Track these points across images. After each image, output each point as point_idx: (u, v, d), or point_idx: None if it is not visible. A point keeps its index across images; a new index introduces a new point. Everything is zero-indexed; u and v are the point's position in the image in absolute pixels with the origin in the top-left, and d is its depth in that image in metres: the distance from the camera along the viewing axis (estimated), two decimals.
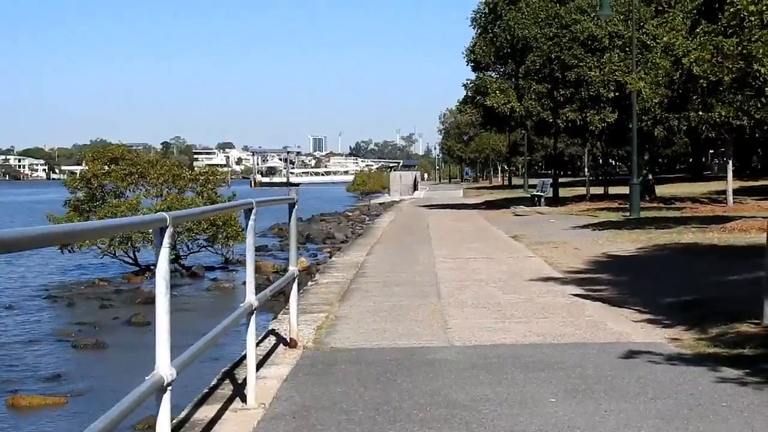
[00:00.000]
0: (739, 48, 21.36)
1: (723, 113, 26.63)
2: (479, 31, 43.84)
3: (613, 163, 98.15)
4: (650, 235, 22.99)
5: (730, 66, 21.50)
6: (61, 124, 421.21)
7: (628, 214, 31.85)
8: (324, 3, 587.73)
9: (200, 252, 32.02)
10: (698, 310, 11.59)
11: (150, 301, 24.57)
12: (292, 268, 10.18)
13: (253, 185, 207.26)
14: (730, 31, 21.89)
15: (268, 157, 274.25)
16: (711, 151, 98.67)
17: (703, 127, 31.89)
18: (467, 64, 44.00)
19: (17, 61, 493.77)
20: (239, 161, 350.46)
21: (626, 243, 21.72)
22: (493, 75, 43.06)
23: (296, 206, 10.24)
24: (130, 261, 30.63)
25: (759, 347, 8.99)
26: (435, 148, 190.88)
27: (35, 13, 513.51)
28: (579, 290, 14.01)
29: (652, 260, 18.43)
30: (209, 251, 32.08)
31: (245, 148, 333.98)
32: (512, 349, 9.60)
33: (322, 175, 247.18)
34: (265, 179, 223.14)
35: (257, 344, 10.56)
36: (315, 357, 9.53)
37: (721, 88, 22.32)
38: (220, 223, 30.33)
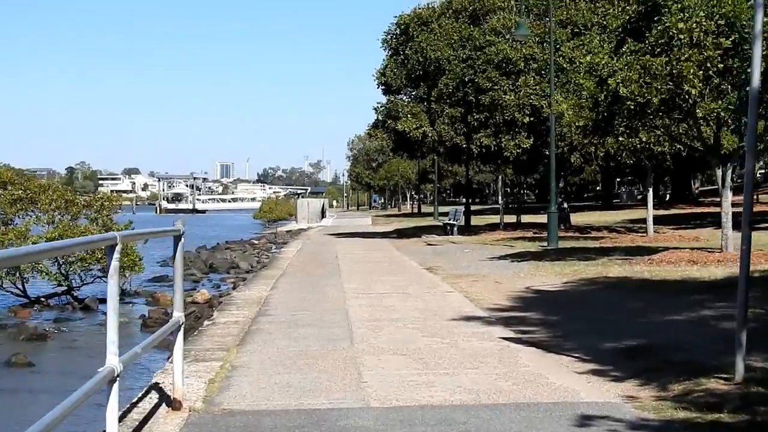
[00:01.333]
0: (668, 68, 20.16)
1: (644, 139, 25.46)
2: (390, 53, 42.49)
3: (523, 191, 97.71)
4: (574, 268, 21.59)
5: (659, 87, 20.27)
6: None
7: (546, 244, 30.54)
8: (233, 29, 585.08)
9: (94, 283, 29.98)
10: (647, 358, 10.08)
11: (36, 338, 22.64)
12: (177, 314, 8.49)
13: (158, 212, 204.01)
14: (658, 50, 20.71)
15: (174, 183, 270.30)
16: (618, 179, 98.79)
17: (623, 154, 30.72)
18: (378, 87, 42.66)
19: None
20: (145, 187, 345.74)
21: (550, 276, 20.30)
22: (404, 98, 41.61)
23: (182, 239, 8.48)
24: (19, 292, 28.43)
25: (739, 411, 7.45)
26: (343, 175, 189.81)
27: None
28: (508, 332, 12.46)
29: (581, 296, 16.97)
30: (106, 282, 30.02)
31: (152, 174, 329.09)
32: (441, 413, 7.95)
33: (229, 201, 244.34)
34: (171, 206, 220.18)
35: (136, 403, 8.83)
36: (202, 424, 7.78)
37: (648, 111, 21.01)
38: None
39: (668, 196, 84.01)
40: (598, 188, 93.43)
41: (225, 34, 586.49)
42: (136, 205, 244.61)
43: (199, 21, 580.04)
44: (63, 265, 27.95)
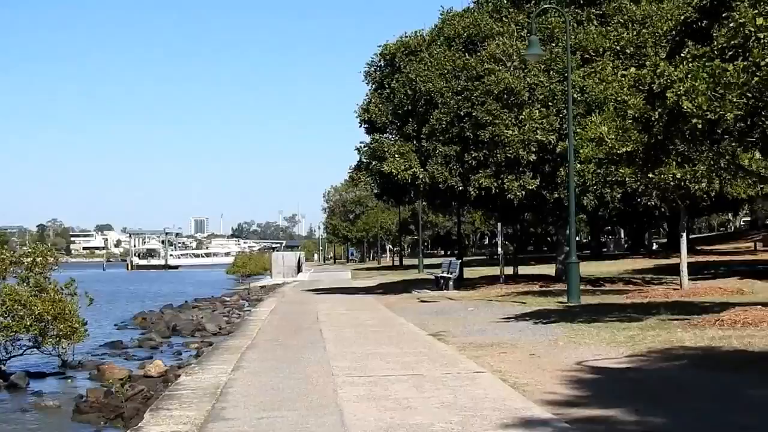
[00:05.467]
0: (745, 76, 15.50)
1: (678, 175, 20.80)
2: (374, 86, 37.70)
3: (505, 242, 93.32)
4: (627, 333, 16.73)
5: (734, 99, 15.59)
6: None
7: (564, 300, 25.78)
8: (204, 81, 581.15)
9: (30, 354, 25.00)
10: None
11: None
12: None
13: (129, 268, 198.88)
14: (730, 53, 16.09)
15: (147, 239, 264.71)
16: (608, 228, 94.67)
17: (653, 193, 26.05)
18: (360, 125, 37.79)
19: None
20: (118, 243, 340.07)
21: (601, 345, 15.45)
22: (390, 137, 36.76)
23: None
24: None
25: None
26: (319, 228, 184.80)
27: None
28: None
29: (669, 379, 12.08)
30: (41, 354, 25.02)
31: (124, 230, 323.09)
32: None
33: (203, 257, 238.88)
34: (143, 261, 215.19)
35: None
36: None
37: (718, 131, 16.29)
38: (50, 318, 23.37)
39: (654, 244, 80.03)
40: (589, 238, 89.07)
41: (202, 90, 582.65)
42: (108, 261, 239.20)
43: (172, 76, 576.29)
44: None
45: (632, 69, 18.27)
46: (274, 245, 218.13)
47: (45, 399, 20.64)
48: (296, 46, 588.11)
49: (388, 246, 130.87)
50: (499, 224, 38.59)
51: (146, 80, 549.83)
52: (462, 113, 33.13)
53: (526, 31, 33.91)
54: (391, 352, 15.87)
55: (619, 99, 18.75)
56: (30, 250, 25.78)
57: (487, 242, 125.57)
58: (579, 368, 13.08)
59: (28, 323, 22.99)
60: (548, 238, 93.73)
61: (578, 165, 27.24)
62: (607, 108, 22.29)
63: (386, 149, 34.71)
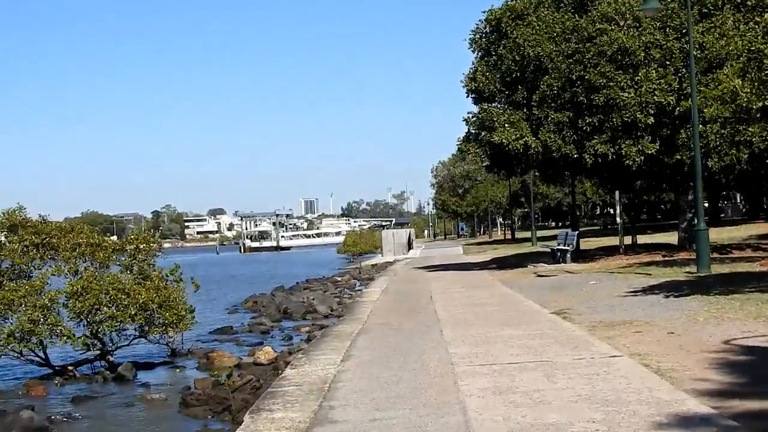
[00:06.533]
0: None
1: None
2: (480, 54, 36.10)
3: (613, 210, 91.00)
4: None
5: None
6: (53, 195, 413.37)
7: (693, 269, 24.11)
8: (308, 69, 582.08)
9: (138, 344, 24.35)
10: None
11: None
12: None
13: (242, 251, 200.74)
14: None
15: (259, 222, 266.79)
16: (724, 193, 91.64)
17: None
18: (467, 95, 36.27)
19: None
20: (231, 227, 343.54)
21: (747, 320, 13.88)
22: (499, 106, 35.17)
23: None
24: (40, 361, 22.87)
25: None
26: (428, 204, 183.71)
27: (21, 80, 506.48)
28: None
29: None
30: (149, 343, 24.36)
31: (236, 214, 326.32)
32: None
33: (314, 237, 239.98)
34: (255, 244, 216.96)
35: None
36: None
37: None
38: (155, 307, 22.64)
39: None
40: (707, 204, 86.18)
41: (306, 77, 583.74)
42: (222, 245, 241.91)
43: (281, 59, 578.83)
44: (90, 325, 22.32)
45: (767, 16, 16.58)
46: (383, 223, 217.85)
47: (152, 391, 19.94)
48: (397, 19, 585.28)
49: (499, 220, 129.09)
50: (617, 192, 36.74)
51: (245, 64, 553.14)
52: (574, 77, 31.48)
53: None
54: (514, 335, 14.54)
55: (753, 49, 17.05)
56: (132, 236, 25.06)
57: (599, 212, 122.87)
58: (728, 348, 11.62)
59: (133, 312, 22.36)
60: (662, 206, 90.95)
61: (701, 126, 25.56)
62: (733, 63, 20.54)
63: (495, 119, 33.18)
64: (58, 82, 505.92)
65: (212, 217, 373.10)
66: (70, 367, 22.90)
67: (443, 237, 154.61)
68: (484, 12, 36.01)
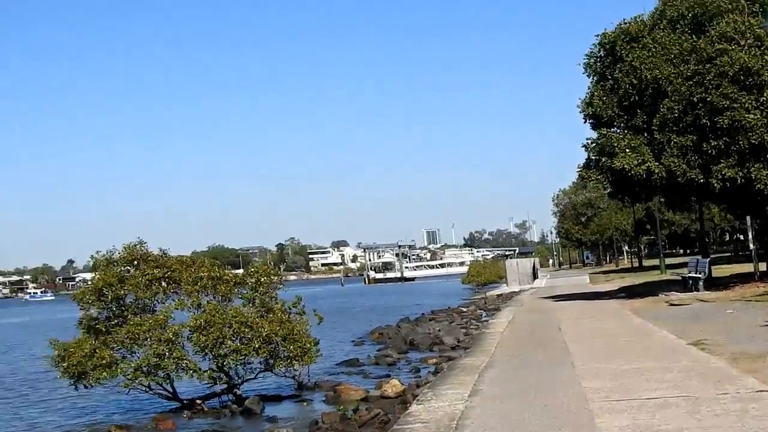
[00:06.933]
0: None
1: None
2: (596, 78, 35.69)
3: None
4: None
5: None
6: (180, 231, 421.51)
7: None
8: (430, 103, 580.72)
9: (266, 378, 24.62)
10: None
11: None
12: None
13: (366, 282, 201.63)
14: None
15: (381, 253, 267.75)
16: None
17: None
18: (585, 121, 35.83)
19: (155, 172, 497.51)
20: (354, 258, 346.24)
21: None
22: (618, 131, 34.70)
23: None
24: (168, 395, 23.28)
25: None
26: (551, 233, 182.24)
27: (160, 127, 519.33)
28: None
29: None
30: (276, 376, 24.57)
31: (359, 245, 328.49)
32: None
33: (437, 267, 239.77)
34: (379, 275, 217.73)
35: None
36: None
37: None
38: (279, 339, 22.83)
39: None
40: None
41: (430, 110, 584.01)
42: (346, 276, 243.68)
43: (402, 93, 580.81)
44: (215, 358, 22.62)
45: None
46: (507, 252, 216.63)
47: (279, 425, 20.01)
48: (508, 46, 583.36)
49: (624, 247, 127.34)
50: (747, 217, 35.88)
51: (368, 101, 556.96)
52: (695, 99, 30.89)
53: (758, 5, 31.51)
54: (650, 367, 14.08)
55: None
56: (253, 269, 25.33)
57: (728, 238, 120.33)
58: None
59: (257, 345, 22.48)
60: None
61: None
62: None
63: (615, 144, 32.74)
64: (197, 119, 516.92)
65: (335, 249, 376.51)
66: (198, 401, 23.20)
67: (568, 266, 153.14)
68: (597, 35, 35.61)
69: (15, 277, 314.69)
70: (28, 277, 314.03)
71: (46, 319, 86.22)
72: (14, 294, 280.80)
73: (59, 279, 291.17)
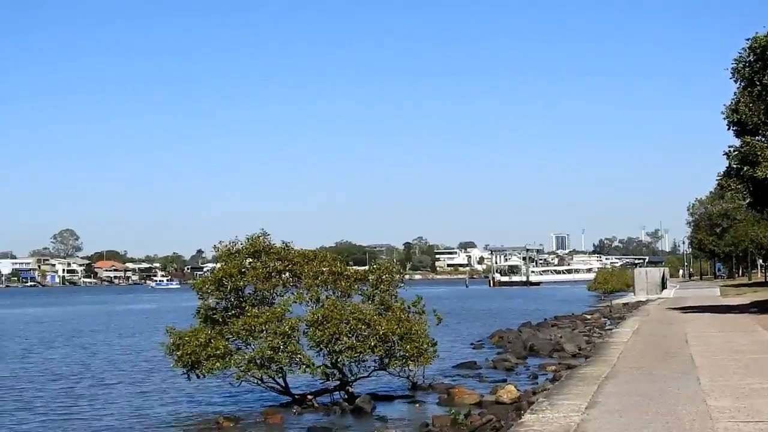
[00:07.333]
0: None
1: None
2: (743, 83, 34.21)
3: None
4: None
5: None
6: (308, 225, 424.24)
7: None
8: (561, 105, 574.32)
9: (381, 376, 23.98)
10: None
11: None
12: None
13: (491, 285, 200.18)
14: None
15: (508, 256, 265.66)
16: None
17: None
18: (728, 128, 34.44)
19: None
20: (481, 260, 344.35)
21: None
22: (763, 139, 33.15)
23: None
24: (279, 388, 22.78)
25: None
26: (683, 243, 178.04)
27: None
28: None
29: None
30: (390, 375, 23.90)
31: (486, 247, 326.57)
32: None
33: (564, 273, 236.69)
34: (504, 278, 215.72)
35: None
36: None
37: None
38: (396, 338, 22.11)
39: None
40: None
41: (561, 112, 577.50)
42: (471, 278, 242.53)
43: (536, 96, 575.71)
44: (330, 354, 22.02)
45: None
46: (636, 261, 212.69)
47: (389, 425, 19.38)
48: (647, 50, 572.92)
49: (759, 261, 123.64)
50: None
51: (504, 103, 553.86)
52: None
53: None
54: None
55: None
56: (375, 266, 24.69)
57: None
58: None
59: (373, 343, 21.84)
60: None
61: None
62: None
63: (759, 153, 31.33)
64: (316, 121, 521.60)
65: (462, 250, 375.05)
66: (309, 396, 22.70)
67: (698, 277, 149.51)
68: (747, 40, 34.07)
69: (145, 265, 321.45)
70: (157, 264, 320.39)
71: (174, 307, 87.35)
72: (143, 281, 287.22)
73: (187, 268, 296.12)
